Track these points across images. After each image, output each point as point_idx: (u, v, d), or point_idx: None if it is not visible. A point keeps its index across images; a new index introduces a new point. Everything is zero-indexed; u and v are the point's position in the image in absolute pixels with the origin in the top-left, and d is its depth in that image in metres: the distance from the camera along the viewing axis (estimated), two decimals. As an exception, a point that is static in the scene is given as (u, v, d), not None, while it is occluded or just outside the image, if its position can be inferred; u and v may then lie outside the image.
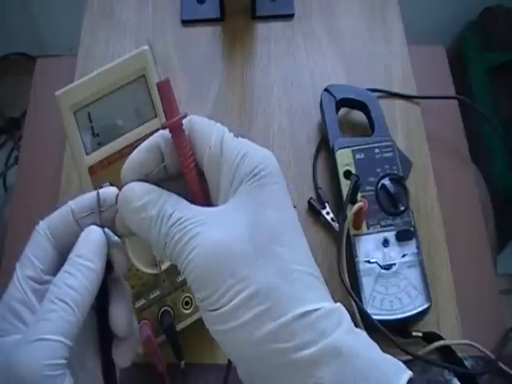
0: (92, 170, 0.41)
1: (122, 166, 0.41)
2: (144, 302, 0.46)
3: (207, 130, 0.30)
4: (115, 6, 0.72)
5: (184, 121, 0.30)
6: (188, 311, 0.48)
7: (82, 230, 0.31)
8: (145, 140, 0.41)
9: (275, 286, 0.26)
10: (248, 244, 0.26)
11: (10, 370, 0.27)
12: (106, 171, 0.41)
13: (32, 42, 1.44)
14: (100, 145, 0.41)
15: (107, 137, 0.41)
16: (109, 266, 0.31)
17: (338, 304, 0.27)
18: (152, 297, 0.46)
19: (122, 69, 0.40)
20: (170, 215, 0.27)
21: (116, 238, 0.32)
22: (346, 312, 0.27)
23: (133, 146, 0.42)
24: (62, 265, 0.30)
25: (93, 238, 0.30)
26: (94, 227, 0.31)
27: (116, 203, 0.31)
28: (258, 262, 0.26)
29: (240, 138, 0.30)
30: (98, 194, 0.31)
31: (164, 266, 0.46)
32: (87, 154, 0.41)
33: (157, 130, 0.42)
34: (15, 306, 0.29)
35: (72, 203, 0.32)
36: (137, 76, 0.41)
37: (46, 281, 0.30)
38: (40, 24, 1.41)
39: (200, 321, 0.49)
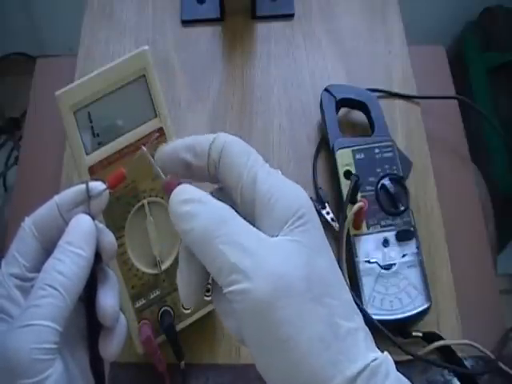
0: (92, 170, 0.41)
1: (122, 166, 0.42)
2: (144, 301, 0.46)
3: (239, 162, 0.29)
4: (115, 6, 0.72)
5: (216, 143, 0.29)
6: (188, 311, 0.48)
7: (67, 223, 0.31)
8: (145, 140, 0.42)
9: (328, 344, 0.25)
10: (306, 292, 0.26)
11: (0, 357, 0.27)
12: (106, 171, 0.41)
13: (32, 42, 1.44)
14: (100, 145, 0.41)
15: (107, 137, 0.41)
16: (97, 256, 0.31)
17: (385, 354, 0.27)
18: (152, 297, 0.46)
19: (121, 69, 0.40)
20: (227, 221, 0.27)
21: (103, 225, 0.32)
22: (391, 361, 0.27)
23: (133, 146, 0.42)
24: None
25: (82, 225, 0.30)
26: (83, 215, 0.31)
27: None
28: (315, 312, 0.25)
29: (273, 173, 0.29)
30: (87, 184, 0.31)
31: (164, 266, 0.46)
32: (87, 154, 0.41)
33: (157, 129, 0.43)
34: (1, 302, 0.29)
35: (57, 197, 0.31)
36: (137, 76, 0.41)
37: (31, 278, 0.30)
38: (40, 24, 1.41)
39: (200, 321, 0.49)
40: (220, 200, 0.29)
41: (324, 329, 0.25)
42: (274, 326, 0.25)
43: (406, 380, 0.27)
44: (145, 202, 0.44)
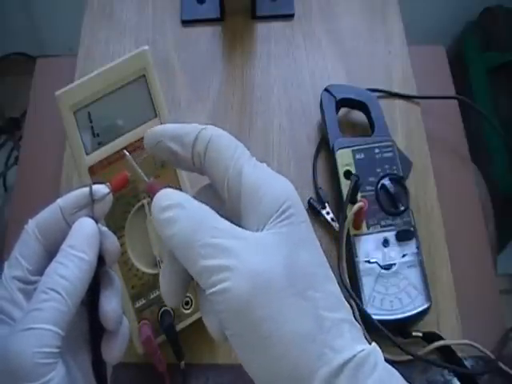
0: (92, 170, 0.41)
1: (122, 166, 0.42)
2: (144, 301, 0.46)
3: (225, 156, 0.28)
4: (115, 6, 0.72)
5: (203, 135, 0.29)
6: (188, 311, 0.48)
7: (71, 227, 0.31)
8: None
9: (313, 337, 0.25)
10: (287, 287, 0.25)
11: (1, 362, 0.27)
12: (106, 171, 0.41)
13: (32, 42, 1.44)
14: (100, 145, 0.41)
15: (107, 137, 0.41)
16: (100, 259, 0.31)
17: (373, 345, 0.27)
18: (152, 297, 0.46)
19: (122, 69, 0.40)
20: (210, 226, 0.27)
21: (106, 229, 0.32)
22: (379, 351, 0.26)
23: (133, 146, 0.42)
24: None
25: (85, 229, 0.30)
26: (86, 218, 0.31)
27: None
28: (297, 306, 0.25)
29: (259, 166, 0.29)
30: (90, 187, 0.31)
31: (164, 266, 0.46)
32: (87, 154, 0.41)
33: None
34: (3, 304, 0.29)
35: (60, 201, 0.31)
36: (137, 76, 0.41)
37: (34, 281, 0.30)
38: (40, 24, 1.41)
39: (200, 321, 0.49)
40: (207, 198, 0.29)
41: (308, 322, 0.25)
42: (255, 324, 0.25)
43: (395, 371, 0.26)
44: (145, 202, 0.44)
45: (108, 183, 0.32)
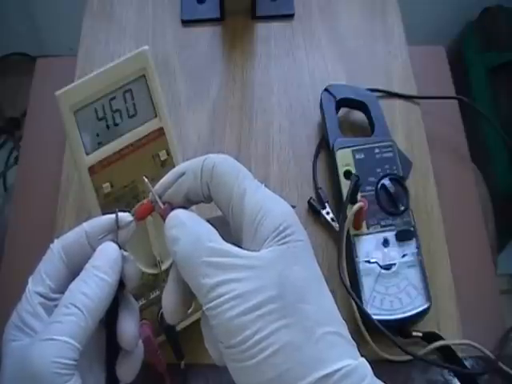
0: (92, 170, 0.41)
1: (122, 166, 0.42)
2: (144, 301, 0.46)
3: (230, 177, 0.30)
4: (115, 6, 0.72)
5: (207, 164, 0.30)
6: (188, 311, 0.48)
7: (95, 250, 0.32)
8: (145, 140, 0.42)
9: (299, 346, 0.26)
10: (276, 302, 0.26)
11: (22, 369, 0.28)
12: (105, 171, 0.41)
13: (32, 42, 1.44)
14: (100, 145, 0.41)
15: (107, 137, 0.41)
16: (120, 284, 0.32)
17: (362, 360, 0.27)
18: (152, 297, 0.46)
19: (121, 69, 0.40)
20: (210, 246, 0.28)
21: (128, 255, 0.33)
22: (368, 367, 0.27)
23: (133, 146, 0.42)
24: None
25: (109, 252, 0.32)
26: (111, 243, 0.32)
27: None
28: (285, 321, 0.26)
29: (260, 188, 0.30)
30: (116, 215, 0.32)
31: (164, 266, 0.46)
32: (87, 154, 0.41)
33: (157, 129, 0.43)
34: (26, 316, 0.30)
35: (86, 225, 0.33)
36: (137, 76, 0.41)
37: (55, 298, 0.31)
38: (40, 24, 1.41)
39: (200, 321, 0.49)
40: (218, 224, 0.30)
41: (295, 333, 0.26)
42: (244, 338, 0.26)
43: None
44: (145, 202, 0.44)
45: (132, 211, 0.33)
